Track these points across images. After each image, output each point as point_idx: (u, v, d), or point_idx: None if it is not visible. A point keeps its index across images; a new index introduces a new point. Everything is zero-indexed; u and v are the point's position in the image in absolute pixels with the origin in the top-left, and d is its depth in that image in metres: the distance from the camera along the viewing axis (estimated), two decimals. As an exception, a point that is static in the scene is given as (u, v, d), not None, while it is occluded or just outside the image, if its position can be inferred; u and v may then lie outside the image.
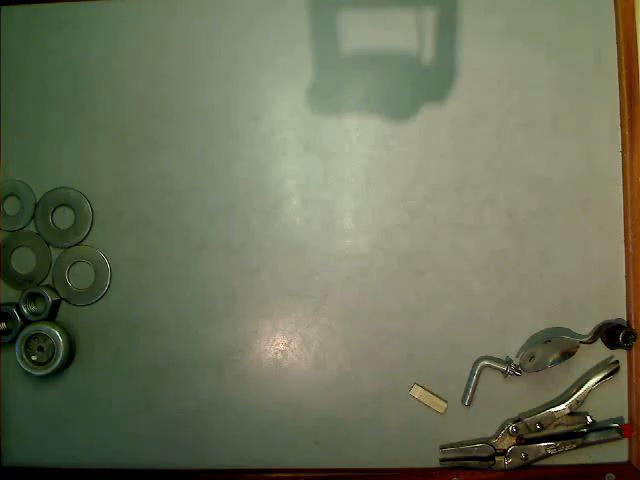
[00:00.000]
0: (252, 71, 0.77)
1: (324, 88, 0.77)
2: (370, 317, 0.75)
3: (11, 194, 0.77)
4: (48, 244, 0.77)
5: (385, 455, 0.74)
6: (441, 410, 0.73)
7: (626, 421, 0.73)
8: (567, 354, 0.71)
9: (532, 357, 0.72)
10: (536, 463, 0.72)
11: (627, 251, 0.74)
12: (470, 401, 0.72)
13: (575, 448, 0.71)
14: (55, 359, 0.74)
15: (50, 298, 0.75)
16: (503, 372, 0.72)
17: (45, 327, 0.74)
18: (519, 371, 0.72)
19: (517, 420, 0.72)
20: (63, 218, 0.77)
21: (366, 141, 0.76)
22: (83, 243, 0.77)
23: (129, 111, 0.77)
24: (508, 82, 0.75)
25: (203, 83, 0.77)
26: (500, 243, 0.75)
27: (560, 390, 0.73)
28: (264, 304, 0.75)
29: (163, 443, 0.75)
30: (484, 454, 0.72)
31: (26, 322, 0.75)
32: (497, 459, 0.72)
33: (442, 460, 0.73)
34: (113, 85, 0.77)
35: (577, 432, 0.71)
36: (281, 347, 0.75)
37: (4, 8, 0.78)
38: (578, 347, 0.71)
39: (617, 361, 0.72)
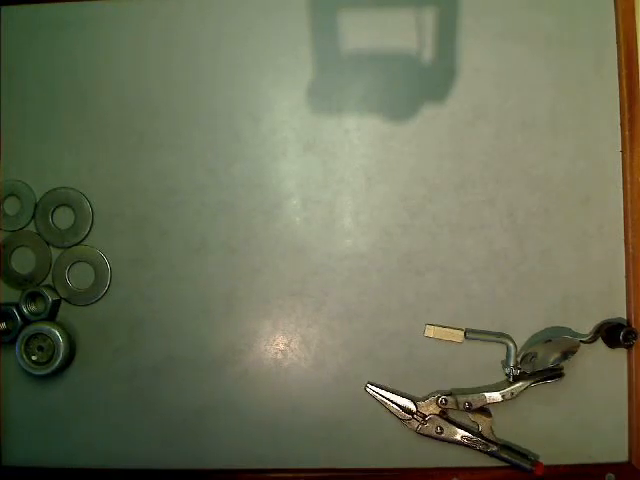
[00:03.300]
0: (253, 72, 0.77)
1: (324, 88, 0.77)
2: (370, 317, 0.75)
3: (11, 194, 0.77)
4: (48, 244, 0.77)
5: (385, 455, 0.74)
6: (459, 339, 0.73)
7: (626, 422, 0.73)
8: (568, 353, 0.71)
9: (533, 357, 0.72)
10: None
11: (627, 251, 0.74)
12: None
13: (485, 452, 0.71)
14: (55, 359, 0.74)
15: (50, 298, 0.75)
16: (507, 375, 0.72)
17: (45, 327, 0.74)
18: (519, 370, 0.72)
19: (449, 394, 0.72)
20: (63, 218, 0.77)
21: (366, 141, 0.76)
22: (83, 243, 0.77)
23: (129, 111, 0.77)
24: (508, 82, 0.75)
25: (204, 83, 0.77)
26: (500, 243, 0.75)
27: (560, 389, 0.73)
28: (264, 304, 0.75)
29: (163, 443, 0.75)
30: (405, 407, 0.73)
31: (26, 322, 0.75)
32: (414, 421, 0.72)
33: (367, 388, 0.73)
34: (114, 85, 0.78)
35: (497, 441, 0.72)
36: (281, 347, 0.75)
37: (4, 8, 0.79)
38: (579, 346, 0.71)
39: (562, 367, 0.72)
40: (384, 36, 0.76)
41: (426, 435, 0.72)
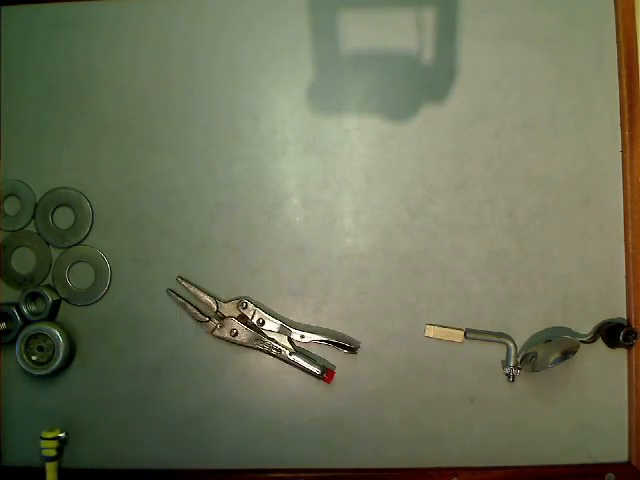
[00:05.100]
0: (253, 71, 0.77)
1: (324, 88, 0.77)
2: (370, 317, 0.75)
3: (11, 194, 0.77)
4: (48, 244, 0.77)
5: (385, 455, 0.74)
6: (459, 339, 0.73)
7: (626, 422, 0.73)
8: (568, 353, 0.71)
9: (533, 357, 0.72)
10: (527, 463, 0.73)
11: (627, 251, 0.74)
12: None
13: (279, 358, 0.73)
14: (55, 359, 0.74)
15: (50, 298, 0.75)
16: (507, 375, 0.72)
17: (45, 327, 0.74)
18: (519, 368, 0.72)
19: (254, 303, 0.74)
20: (63, 218, 0.77)
21: (366, 141, 0.76)
22: (83, 243, 0.77)
23: (129, 111, 0.77)
24: (508, 82, 0.75)
25: (204, 83, 0.77)
26: (500, 243, 0.75)
27: (560, 389, 0.73)
28: (264, 304, 0.75)
29: (163, 443, 0.75)
30: (207, 309, 0.74)
31: (26, 322, 0.75)
32: (212, 322, 0.74)
33: (169, 291, 0.75)
34: (114, 85, 0.77)
35: (293, 348, 0.73)
36: (281, 347, 0.76)
37: (4, 8, 0.78)
38: (579, 346, 0.71)
39: (358, 343, 0.74)
40: (384, 36, 0.76)
41: (220, 338, 0.74)
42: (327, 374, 0.73)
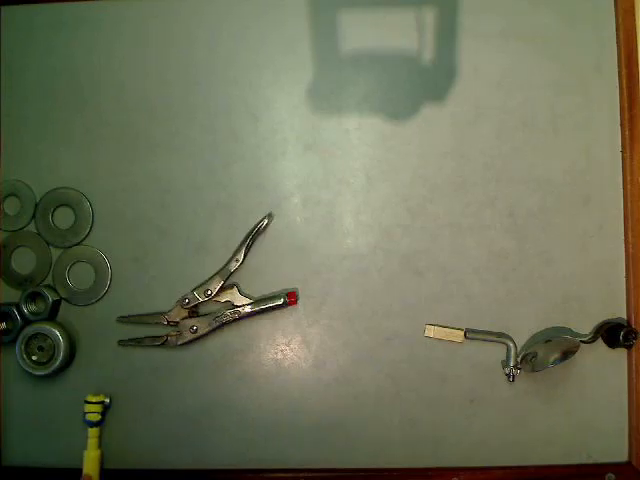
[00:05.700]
0: (252, 71, 0.77)
1: (324, 88, 0.77)
2: (370, 317, 0.75)
3: (11, 194, 0.77)
4: (48, 244, 0.77)
5: (384, 455, 0.74)
6: (459, 339, 0.73)
7: (626, 422, 0.73)
8: (568, 353, 0.71)
9: (533, 357, 0.72)
10: (527, 463, 0.73)
11: (627, 251, 0.74)
12: None
13: (241, 317, 0.73)
14: (55, 359, 0.74)
15: (50, 298, 0.75)
16: (507, 375, 0.72)
17: (45, 327, 0.74)
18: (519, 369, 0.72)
19: (190, 290, 0.74)
20: (63, 218, 0.77)
21: (366, 141, 0.76)
22: (83, 243, 0.77)
23: (129, 111, 0.77)
24: (508, 82, 0.75)
25: (203, 83, 0.77)
26: (500, 243, 0.75)
27: (560, 389, 0.73)
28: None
29: (163, 443, 0.75)
30: (162, 328, 0.74)
31: (26, 322, 0.75)
32: (170, 337, 0.74)
33: (120, 342, 0.75)
34: (113, 85, 0.77)
35: (248, 301, 0.74)
36: (281, 347, 0.75)
37: (4, 8, 0.78)
38: (579, 346, 0.71)
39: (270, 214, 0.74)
40: (384, 36, 0.76)
41: (186, 343, 0.74)
42: (289, 298, 0.73)
